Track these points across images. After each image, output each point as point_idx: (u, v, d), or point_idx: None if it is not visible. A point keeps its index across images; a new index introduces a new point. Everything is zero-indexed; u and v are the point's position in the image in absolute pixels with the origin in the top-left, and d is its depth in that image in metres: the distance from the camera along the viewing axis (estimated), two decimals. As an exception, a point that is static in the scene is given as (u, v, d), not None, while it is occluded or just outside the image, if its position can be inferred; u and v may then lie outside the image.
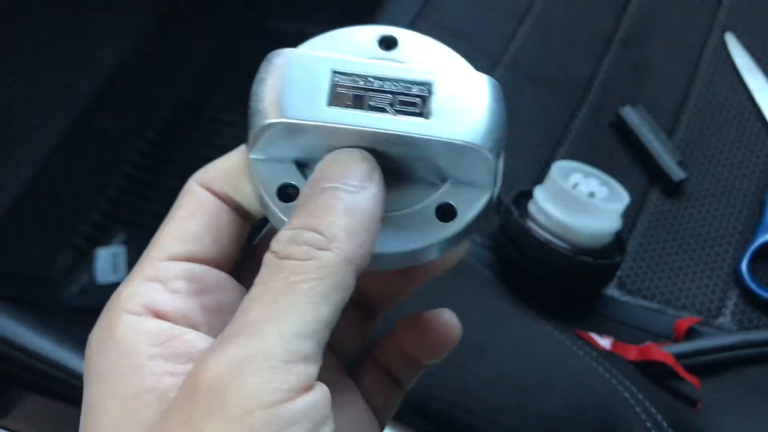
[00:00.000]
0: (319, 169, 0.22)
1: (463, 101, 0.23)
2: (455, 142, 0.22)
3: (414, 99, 0.23)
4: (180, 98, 1.01)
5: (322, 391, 0.20)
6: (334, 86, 0.23)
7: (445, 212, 0.24)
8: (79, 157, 0.96)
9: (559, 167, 0.55)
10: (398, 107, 0.23)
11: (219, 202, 0.24)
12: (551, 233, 0.53)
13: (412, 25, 0.69)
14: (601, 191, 0.55)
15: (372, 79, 0.23)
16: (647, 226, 0.61)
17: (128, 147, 0.98)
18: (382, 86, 0.23)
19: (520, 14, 0.72)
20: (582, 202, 0.53)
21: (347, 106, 0.23)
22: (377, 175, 0.22)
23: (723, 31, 0.70)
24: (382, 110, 0.23)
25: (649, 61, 0.70)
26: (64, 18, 0.97)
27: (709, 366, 0.51)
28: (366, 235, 0.21)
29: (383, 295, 0.28)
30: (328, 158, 0.22)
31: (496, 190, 0.24)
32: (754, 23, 0.70)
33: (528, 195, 0.56)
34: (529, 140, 0.65)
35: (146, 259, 0.24)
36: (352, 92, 0.23)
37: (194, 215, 0.24)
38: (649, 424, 0.44)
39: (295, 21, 1.01)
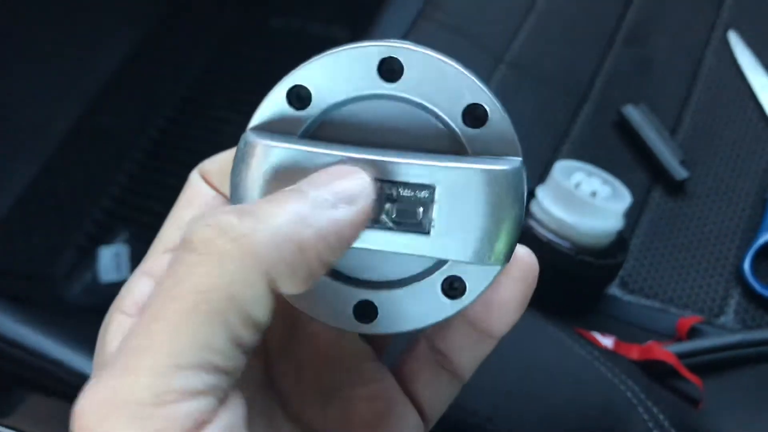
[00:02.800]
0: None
1: (469, 209, 0.20)
2: (458, 260, 0.21)
3: (413, 208, 0.20)
4: (182, 96, 1.01)
5: (223, 421, 0.17)
6: None
7: (453, 287, 0.22)
8: (81, 155, 0.96)
9: (561, 166, 0.55)
10: (395, 218, 0.21)
11: (215, 194, 0.24)
12: (553, 233, 0.53)
13: (413, 24, 0.69)
14: (604, 190, 0.54)
15: None
16: (650, 225, 0.61)
17: (131, 145, 0.98)
18: (377, 189, 0.20)
19: (522, 12, 0.72)
20: (584, 201, 0.52)
21: None
22: (364, 204, 0.20)
23: (726, 29, 0.70)
24: (378, 222, 0.21)
25: (651, 60, 0.70)
26: (66, 17, 0.97)
27: (711, 365, 0.51)
28: (303, 255, 0.18)
29: None
30: (329, 167, 0.20)
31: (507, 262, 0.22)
32: (756, 21, 0.70)
33: (530, 194, 0.56)
34: (531, 139, 0.65)
35: (150, 251, 0.24)
36: None
37: (191, 205, 0.24)
38: (651, 424, 0.44)
39: (297, 19, 1.01)
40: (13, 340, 0.48)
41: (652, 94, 0.67)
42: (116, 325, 0.22)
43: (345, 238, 0.19)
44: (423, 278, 0.22)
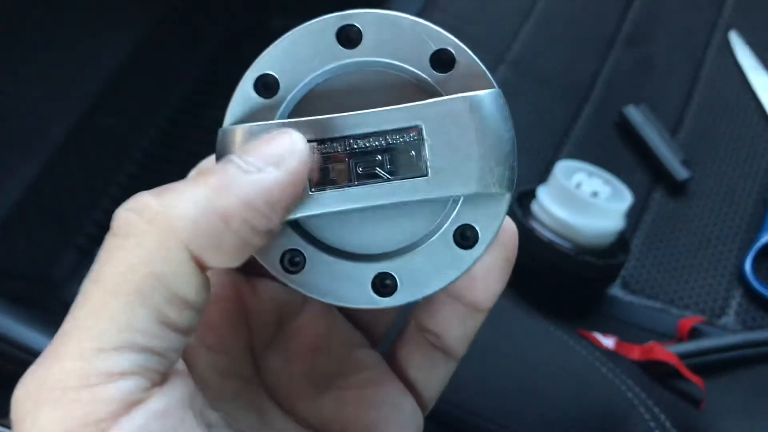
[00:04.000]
0: None
1: (460, 140, 0.20)
2: (463, 193, 0.20)
3: (406, 153, 0.20)
4: (183, 97, 1.01)
5: (158, 403, 0.17)
6: (313, 162, 0.20)
7: (466, 236, 0.21)
8: (82, 156, 0.96)
9: (562, 167, 0.55)
10: (390, 168, 0.20)
11: None
12: (554, 233, 0.53)
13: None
14: (605, 191, 0.54)
15: (352, 141, 0.20)
16: (651, 226, 0.61)
17: (131, 146, 0.98)
18: (365, 145, 0.20)
19: (523, 13, 0.72)
20: (585, 201, 0.52)
21: (333, 185, 0.20)
22: (293, 163, 0.19)
23: (727, 30, 0.70)
24: (374, 176, 0.20)
25: (652, 60, 0.70)
26: (67, 18, 0.97)
27: (712, 366, 0.51)
28: (227, 225, 0.18)
29: None
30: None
31: (512, 194, 0.22)
32: (757, 21, 0.70)
33: (531, 195, 0.56)
34: (532, 140, 0.65)
35: None
36: (335, 165, 0.20)
37: None
38: (652, 424, 0.44)
39: (297, 20, 1.01)
40: (13, 340, 0.48)
41: (653, 95, 0.67)
42: None
43: (275, 202, 0.18)
44: (433, 236, 0.21)
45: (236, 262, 0.18)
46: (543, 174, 0.62)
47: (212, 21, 1.07)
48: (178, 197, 0.18)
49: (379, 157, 0.20)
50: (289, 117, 0.21)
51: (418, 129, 0.20)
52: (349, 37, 0.21)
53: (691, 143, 0.64)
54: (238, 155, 0.19)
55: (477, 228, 0.21)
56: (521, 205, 0.55)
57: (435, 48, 0.21)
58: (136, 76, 1.02)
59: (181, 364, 0.20)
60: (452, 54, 0.21)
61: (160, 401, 0.17)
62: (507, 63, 0.69)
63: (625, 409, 0.45)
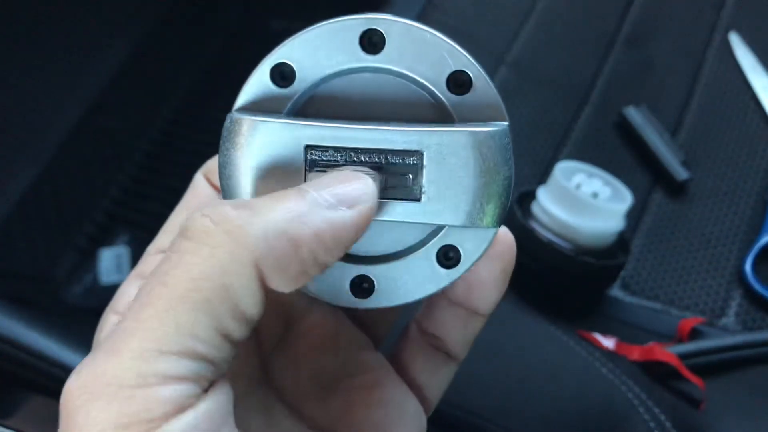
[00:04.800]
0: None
1: (459, 172, 0.20)
2: (452, 224, 0.21)
3: (403, 176, 0.20)
4: (184, 98, 1.01)
5: (205, 407, 0.17)
6: (311, 165, 0.20)
7: (448, 256, 0.22)
8: (82, 157, 0.96)
9: (562, 167, 0.55)
10: (387, 187, 0.20)
11: (215, 194, 0.24)
12: (554, 234, 0.53)
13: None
14: (605, 191, 0.54)
15: (353, 153, 0.20)
16: (651, 227, 0.61)
17: (132, 147, 0.98)
18: (365, 160, 0.20)
19: (523, 14, 0.72)
20: (585, 202, 0.52)
21: None
22: (364, 208, 0.20)
23: (727, 31, 0.70)
24: None
25: (652, 61, 0.70)
26: (67, 19, 0.97)
27: (712, 366, 0.51)
28: (296, 252, 0.18)
29: None
30: (335, 172, 0.20)
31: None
32: (757, 22, 0.70)
33: (531, 195, 0.56)
34: (532, 141, 0.65)
35: (144, 254, 0.24)
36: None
37: (188, 207, 0.24)
38: (652, 425, 0.44)
39: (298, 21, 1.01)
40: (14, 341, 0.48)
41: (653, 96, 0.67)
42: (110, 326, 0.22)
43: (342, 240, 0.19)
44: (417, 249, 0.22)
45: (290, 288, 0.19)
46: (543, 175, 0.62)
47: (212, 23, 1.07)
48: (256, 215, 0.18)
49: (377, 174, 0.20)
50: (299, 111, 0.21)
51: (419, 154, 0.20)
52: (372, 41, 0.21)
53: (691, 144, 0.65)
54: (315, 187, 0.19)
55: (461, 251, 0.21)
56: (521, 205, 0.55)
57: (454, 68, 0.21)
58: (137, 78, 1.02)
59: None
60: (469, 77, 0.21)
61: (207, 406, 0.18)
62: (507, 64, 0.69)
63: (626, 409, 0.45)
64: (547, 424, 0.44)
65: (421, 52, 0.21)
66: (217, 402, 0.18)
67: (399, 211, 0.21)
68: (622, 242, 0.56)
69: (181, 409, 0.17)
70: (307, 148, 0.20)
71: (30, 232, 0.91)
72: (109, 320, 0.22)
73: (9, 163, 0.91)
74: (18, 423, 0.50)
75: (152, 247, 0.24)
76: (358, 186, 0.20)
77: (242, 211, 0.18)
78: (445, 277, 0.22)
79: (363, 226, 0.20)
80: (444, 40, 0.21)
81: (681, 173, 0.61)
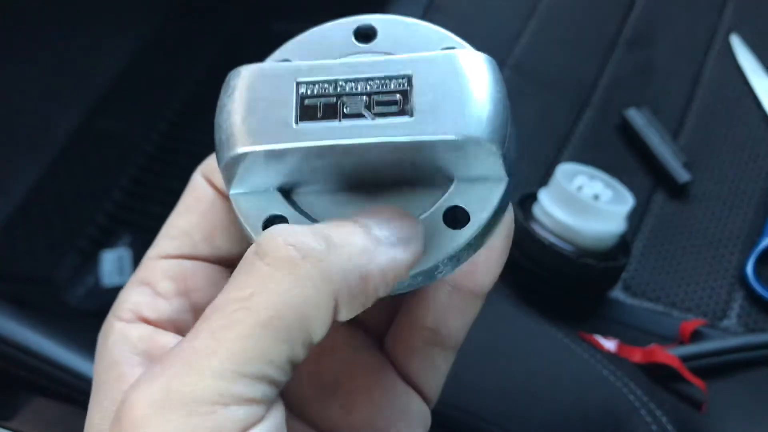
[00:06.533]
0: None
1: (449, 88, 0.20)
2: (447, 139, 0.19)
3: (392, 96, 0.20)
4: (185, 100, 1.01)
5: (268, 425, 0.18)
6: (302, 99, 0.20)
7: (456, 217, 0.21)
8: (84, 159, 0.96)
9: (563, 170, 0.55)
10: (376, 109, 0.20)
11: (216, 195, 0.24)
12: (556, 236, 0.53)
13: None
14: (606, 193, 0.54)
15: (342, 83, 0.20)
16: (652, 229, 0.61)
17: (133, 149, 0.98)
18: (354, 88, 0.20)
19: (524, 16, 0.72)
20: (586, 204, 0.52)
21: (319, 119, 0.20)
22: (417, 247, 0.20)
23: (728, 33, 0.70)
24: (359, 116, 0.20)
25: (654, 63, 0.70)
26: (69, 21, 0.97)
27: (714, 368, 0.51)
28: (365, 287, 0.19)
29: None
30: (382, 207, 0.21)
31: (510, 181, 0.21)
32: (759, 24, 0.70)
33: (532, 197, 0.56)
34: (533, 142, 0.65)
35: (144, 259, 0.24)
36: (322, 101, 0.20)
37: (189, 210, 0.24)
38: (654, 427, 0.44)
39: (298, 23, 1.01)
40: (16, 342, 0.48)
41: (655, 98, 0.67)
42: (118, 333, 0.22)
43: (400, 276, 0.20)
44: (423, 214, 0.21)
45: (347, 318, 0.19)
46: (544, 177, 0.62)
47: (213, 25, 1.07)
48: (336, 249, 0.19)
49: (366, 99, 0.20)
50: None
51: (408, 77, 0.20)
52: (365, 34, 0.22)
53: (693, 146, 0.64)
54: (376, 223, 0.20)
55: (468, 210, 0.21)
56: (523, 207, 0.55)
57: (444, 46, 0.22)
58: (138, 80, 1.02)
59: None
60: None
61: (268, 425, 0.18)
62: (509, 66, 0.69)
63: (627, 411, 0.45)
64: (548, 425, 0.44)
65: (411, 37, 0.22)
66: (275, 421, 0.19)
67: (391, 128, 0.20)
68: (623, 244, 0.56)
69: (248, 428, 0.18)
70: (298, 84, 0.20)
71: (31, 235, 0.91)
72: (116, 328, 0.22)
73: (11, 165, 0.92)
74: (19, 425, 0.50)
75: (152, 252, 0.23)
76: (411, 224, 0.20)
77: (321, 243, 0.19)
78: (458, 237, 0.21)
79: (414, 265, 0.20)
80: (433, 27, 0.22)
81: (682, 175, 0.61)
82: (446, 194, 0.21)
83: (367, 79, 0.20)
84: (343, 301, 0.19)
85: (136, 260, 0.86)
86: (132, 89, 1.01)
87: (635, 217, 0.60)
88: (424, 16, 0.71)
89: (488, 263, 0.23)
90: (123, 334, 0.22)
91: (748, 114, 0.66)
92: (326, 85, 0.20)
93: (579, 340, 0.50)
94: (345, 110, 0.20)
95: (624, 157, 0.65)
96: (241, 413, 0.17)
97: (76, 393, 0.47)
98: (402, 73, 0.20)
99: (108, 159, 0.98)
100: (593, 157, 0.63)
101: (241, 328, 0.18)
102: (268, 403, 0.18)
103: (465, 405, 0.44)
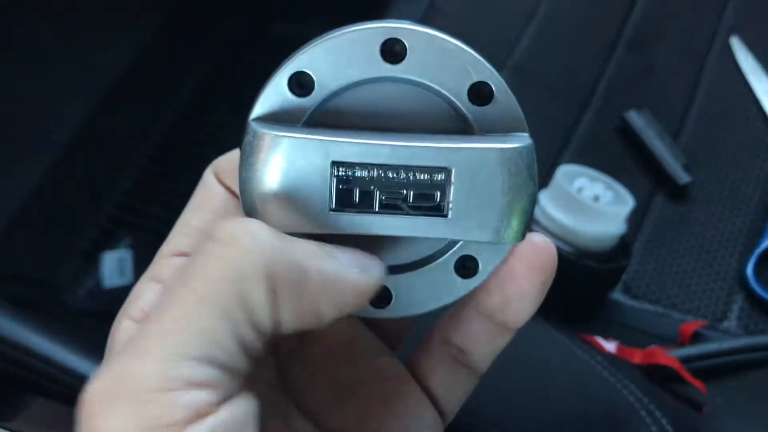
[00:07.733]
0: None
1: (487, 189, 0.20)
2: (479, 240, 0.21)
3: (430, 191, 0.20)
4: (186, 102, 1.01)
5: (225, 416, 0.17)
6: (337, 183, 0.20)
7: (466, 266, 0.22)
8: (85, 161, 0.96)
9: (564, 171, 0.55)
10: (413, 202, 0.20)
11: (227, 194, 0.24)
12: (556, 237, 0.53)
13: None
14: (606, 195, 0.55)
15: (381, 171, 0.20)
16: (652, 230, 0.61)
17: (135, 151, 0.98)
18: (392, 176, 0.20)
19: (524, 18, 0.72)
20: (587, 206, 0.53)
21: (355, 207, 0.20)
22: (372, 277, 0.20)
23: (728, 35, 0.70)
24: (396, 207, 0.20)
25: (654, 65, 0.70)
26: (70, 23, 0.97)
27: (714, 370, 0.51)
28: (303, 283, 0.19)
29: None
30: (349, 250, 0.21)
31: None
32: (759, 26, 0.70)
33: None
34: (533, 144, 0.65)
35: (156, 256, 0.24)
36: (359, 188, 0.20)
37: (201, 208, 0.24)
38: (654, 428, 0.44)
39: (299, 26, 1.01)
40: (17, 344, 0.48)
41: (655, 99, 0.67)
42: (123, 332, 0.22)
43: (344, 293, 0.20)
44: (435, 260, 0.22)
45: (292, 324, 0.19)
46: (545, 178, 0.62)
47: (215, 27, 1.07)
48: (285, 242, 0.19)
49: (404, 191, 0.20)
50: (317, 121, 0.21)
51: (447, 171, 0.20)
52: (393, 51, 0.21)
53: (693, 148, 0.65)
54: (342, 250, 0.20)
55: (479, 261, 0.22)
56: (523, 209, 0.55)
57: (476, 79, 0.21)
58: (140, 81, 1.02)
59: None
60: (491, 89, 0.21)
61: (226, 415, 0.17)
62: (509, 68, 0.69)
63: (627, 412, 0.45)
64: (549, 427, 0.44)
65: (442, 63, 0.21)
66: (237, 413, 0.18)
67: (426, 226, 0.20)
68: (623, 246, 0.56)
69: (200, 415, 0.17)
70: (333, 164, 0.20)
71: (33, 236, 0.91)
72: (122, 325, 0.22)
73: (12, 166, 0.92)
74: (20, 426, 0.50)
75: (165, 249, 0.23)
76: (374, 260, 0.21)
77: (273, 235, 0.19)
78: (462, 287, 0.22)
79: (365, 293, 0.20)
80: (466, 50, 0.21)
81: (682, 177, 0.62)
82: (460, 242, 0.21)
83: (406, 167, 0.20)
84: (281, 289, 0.18)
85: (138, 262, 0.86)
86: (134, 91, 1.01)
87: (635, 219, 0.60)
88: (425, 17, 0.71)
89: (522, 302, 0.23)
90: (129, 331, 0.22)
91: (748, 116, 0.66)
92: (362, 171, 0.20)
93: (579, 342, 0.50)
94: (381, 198, 0.20)
95: (624, 158, 0.65)
96: (187, 398, 0.17)
97: (77, 393, 0.48)
98: (442, 165, 0.20)
99: (109, 160, 0.98)
100: (593, 158, 0.63)
101: (180, 306, 0.17)
102: (220, 390, 0.17)
103: (465, 406, 0.44)
